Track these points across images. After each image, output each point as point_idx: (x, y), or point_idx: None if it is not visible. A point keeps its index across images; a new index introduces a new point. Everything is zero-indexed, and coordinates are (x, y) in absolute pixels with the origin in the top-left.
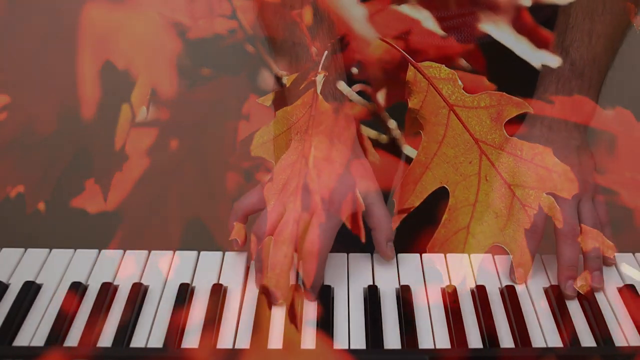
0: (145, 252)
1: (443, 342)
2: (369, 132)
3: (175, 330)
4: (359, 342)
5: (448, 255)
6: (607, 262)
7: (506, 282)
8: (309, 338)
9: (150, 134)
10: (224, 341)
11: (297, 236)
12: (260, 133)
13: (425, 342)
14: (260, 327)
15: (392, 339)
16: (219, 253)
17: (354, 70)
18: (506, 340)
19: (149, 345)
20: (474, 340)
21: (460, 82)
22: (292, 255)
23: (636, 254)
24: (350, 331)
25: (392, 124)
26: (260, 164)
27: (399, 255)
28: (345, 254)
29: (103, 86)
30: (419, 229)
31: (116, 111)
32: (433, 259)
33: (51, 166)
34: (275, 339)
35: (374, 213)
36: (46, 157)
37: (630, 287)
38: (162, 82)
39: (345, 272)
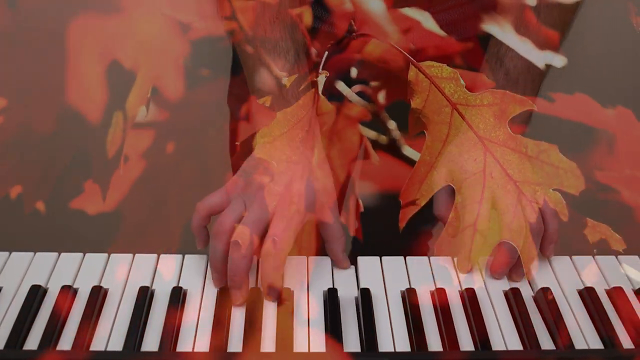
0: (105, 255)
1: (403, 345)
2: (368, 132)
3: (135, 333)
4: (319, 344)
5: (408, 257)
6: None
7: (466, 284)
8: (268, 341)
9: (150, 134)
10: (184, 344)
11: (257, 237)
12: (261, 134)
13: (385, 345)
14: (219, 330)
15: (351, 342)
16: (179, 256)
17: (353, 71)
18: (466, 342)
19: (108, 348)
20: (434, 343)
21: (462, 81)
22: (250, 256)
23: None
24: (310, 334)
25: (391, 124)
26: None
27: (359, 258)
28: (305, 257)
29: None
30: (423, 229)
31: (117, 111)
32: (392, 262)
33: (50, 167)
34: (235, 342)
35: (328, 224)
36: (44, 159)
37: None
38: (168, 83)
39: (305, 275)
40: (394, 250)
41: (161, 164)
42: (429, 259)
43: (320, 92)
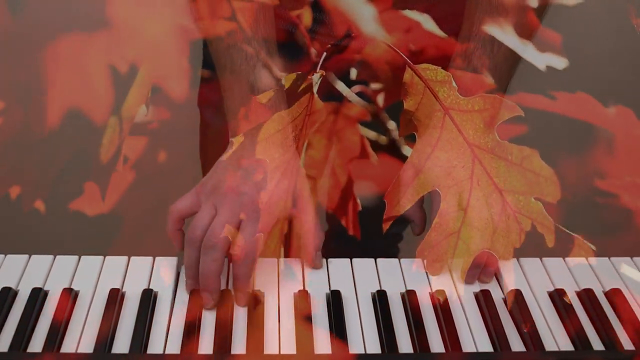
0: (76, 257)
1: (374, 346)
2: (368, 133)
3: (105, 335)
4: (290, 347)
5: (378, 259)
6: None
7: (436, 286)
8: (239, 343)
9: (149, 135)
10: (154, 347)
11: (227, 239)
12: (262, 131)
13: (355, 346)
14: (190, 332)
15: (322, 344)
16: (149, 258)
17: (353, 71)
18: (436, 344)
19: (79, 351)
20: (404, 344)
21: (454, 84)
22: (222, 259)
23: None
24: (281, 336)
25: (391, 125)
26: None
27: (329, 260)
28: (276, 259)
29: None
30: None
31: (118, 112)
32: (363, 264)
33: (50, 167)
34: (206, 344)
35: (303, 220)
36: (44, 159)
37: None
38: (172, 83)
39: (275, 277)
40: (373, 252)
41: (161, 165)
42: (399, 261)
43: (315, 91)
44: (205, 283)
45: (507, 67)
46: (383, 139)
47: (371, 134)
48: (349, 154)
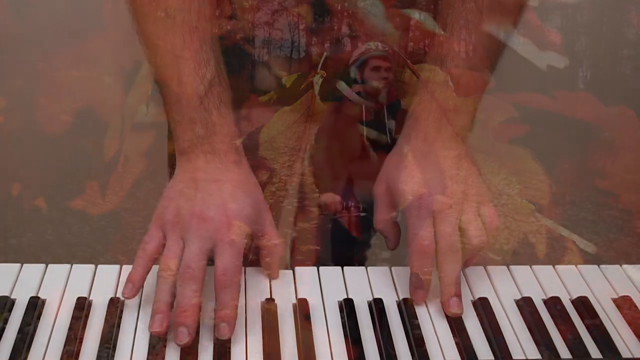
0: (42, 265)
1: (341, 356)
2: (368, 132)
3: (72, 345)
4: (257, 357)
5: (345, 268)
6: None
7: (403, 294)
8: (206, 354)
9: (149, 134)
10: (121, 356)
11: (204, 269)
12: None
13: (322, 356)
14: (157, 342)
15: (289, 354)
16: (116, 266)
17: (354, 71)
18: (403, 353)
19: None
20: (371, 353)
21: (451, 84)
22: (201, 290)
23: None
24: (248, 345)
25: (391, 124)
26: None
27: (296, 268)
28: (242, 268)
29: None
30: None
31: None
32: (330, 272)
33: (50, 165)
34: (172, 355)
35: (264, 234)
36: (44, 158)
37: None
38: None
39: (242, 286)
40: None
41: (161, 165)
42: (367, 269)
43: (317, 92)
44: (183, 317)
45: (482, 70)
46: (383, 139)
47: (372, 134)
48: (349, 154)
